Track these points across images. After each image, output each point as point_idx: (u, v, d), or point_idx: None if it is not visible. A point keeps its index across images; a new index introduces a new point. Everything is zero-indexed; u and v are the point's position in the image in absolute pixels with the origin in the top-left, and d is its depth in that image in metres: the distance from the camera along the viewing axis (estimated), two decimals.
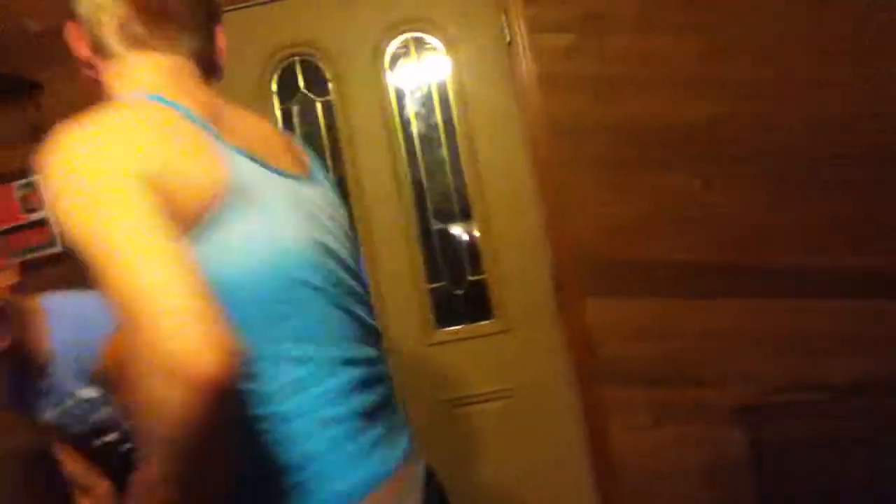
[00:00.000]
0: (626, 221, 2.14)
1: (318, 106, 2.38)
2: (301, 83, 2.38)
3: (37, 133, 2.36)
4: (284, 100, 2.38)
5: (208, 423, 0.67)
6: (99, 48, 0.95)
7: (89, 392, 1.51)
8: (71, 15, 0.96)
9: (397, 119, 2.34)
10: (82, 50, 0.97)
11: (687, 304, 2.13)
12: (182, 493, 0.71)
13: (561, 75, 2.18)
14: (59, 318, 1.49)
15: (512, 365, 2.31)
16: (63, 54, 2.38)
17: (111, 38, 0.93)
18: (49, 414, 1.52)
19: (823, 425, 1.97)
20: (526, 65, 2.19)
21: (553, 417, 2.29)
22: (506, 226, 2.29)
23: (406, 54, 2.35)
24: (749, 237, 2.12)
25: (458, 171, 2.34)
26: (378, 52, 2.33)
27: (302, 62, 2.37)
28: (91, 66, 0.98)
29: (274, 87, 2.37)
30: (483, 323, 2.33)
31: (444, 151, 2.35)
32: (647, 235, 2.14)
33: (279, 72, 2.37)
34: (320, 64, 2.36)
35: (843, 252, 2.08)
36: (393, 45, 2.34)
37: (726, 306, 2.12)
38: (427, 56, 2.33)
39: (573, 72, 2.18)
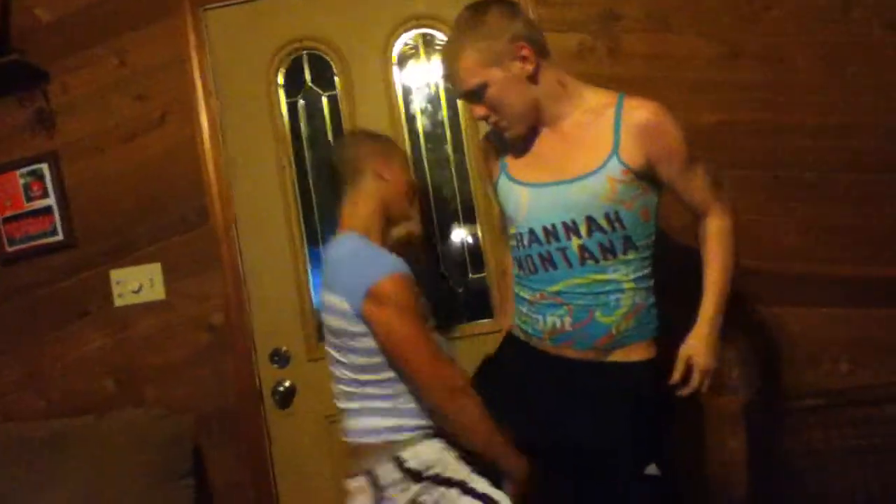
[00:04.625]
0: None
1: (325, 101, 2.37)
2: (308, 77, 2.37)
3: (43, 122, 2.36)
4: (291, 94, 2.37)
5: None
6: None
7: None
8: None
9: (403, 115, 2.33)
10: None
11: None
12: None
13: (571, 75, 2.16)
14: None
15: None
16: (71, 45, 2.37)
17: None
18: None
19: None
20: None
21: None
22: None
23: (414, 51, 2.34)
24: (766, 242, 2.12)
25: (462, 169, 2.33)
26: (386, 48, 2.32)
27: (309, 56, 2.36)
28: None
29: (280, 80, 2.36)
30: (483, 321, 2.31)
31: (449, 148, 2.34)
32: None
33: (286, 65, 2.36)
34: (328, 58, 2.35)
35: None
36: (401, 42, 2.33)
37: None
38: (435, 53, 2.32)
39: (583, 72, 2.16)
